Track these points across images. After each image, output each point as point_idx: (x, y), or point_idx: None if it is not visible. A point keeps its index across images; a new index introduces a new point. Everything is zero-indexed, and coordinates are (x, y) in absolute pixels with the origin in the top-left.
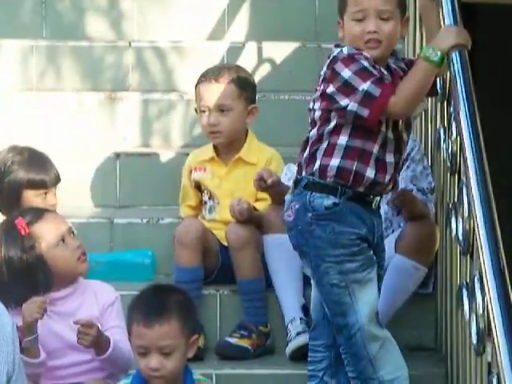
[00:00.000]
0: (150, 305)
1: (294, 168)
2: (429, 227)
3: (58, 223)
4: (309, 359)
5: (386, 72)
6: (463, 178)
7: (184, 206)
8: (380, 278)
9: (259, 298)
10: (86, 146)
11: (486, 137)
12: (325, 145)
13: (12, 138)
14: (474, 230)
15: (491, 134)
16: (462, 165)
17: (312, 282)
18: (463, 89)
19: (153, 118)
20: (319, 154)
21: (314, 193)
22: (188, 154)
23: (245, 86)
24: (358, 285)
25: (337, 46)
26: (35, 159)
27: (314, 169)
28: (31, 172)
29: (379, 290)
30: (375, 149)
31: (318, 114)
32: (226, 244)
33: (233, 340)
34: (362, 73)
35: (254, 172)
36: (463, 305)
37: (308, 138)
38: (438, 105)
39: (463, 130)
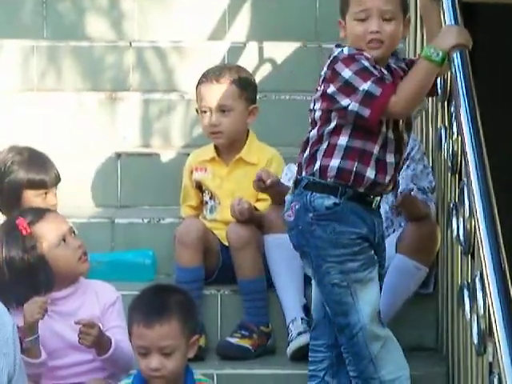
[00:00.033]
0: (150, 305)
1: (295, 168)
2: (429, 227)
3: (59, 223)
4: (309, 359)
5: (386, 72)
6: (464, 179)
7: (185, 206)
8: (381, 278)
9: (260, 298)
10: (86, 146)
11: (486, 134)
12: (325, 145)
13: (13, 138)
14: (475, 229)
15: (491, 132)
16: (463, 165)
17: (313, 281)
18: (464, 88)
19: (153, 118)
20: (319, 155)
21: (314, 193)
22: (189, 154)
23: (246, 86)
24: (359, 284)
25: (337, 46)
26: (35, 159)
27: (315, 169)
28: (31, 172)
29: (380, 289)
30: (375, 149)
31: (318, 114)
32: (226, 244)
33: (234, 340)
34: (363, 73)
35: (254, 172)
36: (464, 305)
37: (308, 139)
38: (439, 104)
39: (463, 125)
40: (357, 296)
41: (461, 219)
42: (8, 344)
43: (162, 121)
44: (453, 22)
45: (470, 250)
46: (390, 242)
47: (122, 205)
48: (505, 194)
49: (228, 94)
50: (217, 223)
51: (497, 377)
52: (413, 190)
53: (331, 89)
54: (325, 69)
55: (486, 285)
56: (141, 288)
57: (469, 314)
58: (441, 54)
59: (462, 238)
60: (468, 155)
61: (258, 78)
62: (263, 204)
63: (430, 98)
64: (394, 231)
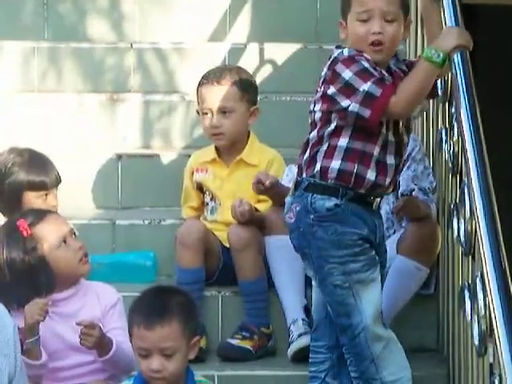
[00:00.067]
0: (151, 306)
1: (295, 169)
2: (430, 227)
3: (59, 224)
4: (310, 360)
5: (386, 74)
6: (465, 179)
7: (186, 208)
8: (382, 278)
9: (261, 299)
10: (87, 148)
11: (486, 134)
12: (325, 147)
13: (13, 139)
14: (475, 230)
15: (491, 133)
16: (463, 165)
17: (313, 282)
18: (464, 88)
19: (154, 120)
20: (320, 156)
21: (315, 194)
22: (189, 156)
23: (246, 87)
24: (361, 285)
25: (337, 47)
26: (36, 161)
27: (315, 171)
28: (32, 174)
29: (382, 289)
30: (376, 151)
31: (318, 115)
32: (227, 245)
33: (234, 341)
34: (363, 74)
35: (255, 173)
36: (465, 306)
37: (308, 140)
38: (440, 106)
39: (463, 123)
40: (359, 297)
41: (461, 220)
42: (9, 345)
43: (163, 122)
44: (453, 23)
45: (471, 250)
46: (390, 243)
47: (123, 206)
48: (505, 192)
49: (229, 96)
50: (217, 224)
51: (497, 377)
52: (414, 190)
53: (331, 90)
54: (325, 70)
55: (487, 285)
56: (142, 289)
57: (469, 315)
58: (441, 55)
59: (462, 238)
60: (468, 153)
61: (258, 79)
62: (264, 205)
63: (438, 97)
64: (394, 232)
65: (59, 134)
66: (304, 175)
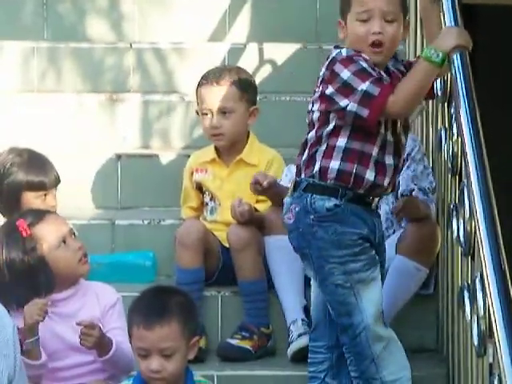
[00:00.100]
0: (150, 306)
1: (295, 169)
2: (430, 227)
3: (59, 225)
4: (309, 360)
5: (384, 74)
6: (464, 180)
7: (185, 208)
8: (382, 277)
9: (261, 300)
10: (87, 148)
11: (486, 135)
12: (324, 147)
13: (13, 139)
14: (475, 231)
15: (491, 134)
16: (463, 168)
17: (312, 282)
18: (464, 89)
19: (153, 120)
20: (318, 156)
21: (314, 195)
22: (189, 156)
23: (246, 87)
24: (362, 284)
25: (336, 47)
26: (35, 161)
27: (314, 171)
28: (30, 174)
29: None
30: (374, 151)
31: (316, 115)
32: (227, 245)
33: (234, 341)
34: (361, 73)
35: (254, 174)
36: (464, 306)
37: (306, 140)
38: (439, 106)
39: (463, 126)
40: (360, 296)
41: (461, 220)
42: (8, 345)
43: (162, 122)
44: (453, 23)
45: (470, 251)
46: (390, 243)
47: (123, 206)
48: (505, 196)
49: (229, 96)
50: (217, 224)
51: (497, 378)
52: (413, 190)
53: (330, 90)
54: (323, 70)
55: (486, 286)
56: (141, 289)
57: (469, 315)
58: (441, 55)
59: (462, 239)
60: (468, 156)
61: (258, 79)
62: (263, 205)
63: (435, 97)
64: (394, 232)
65: (59, 134)
66: (303, 176)
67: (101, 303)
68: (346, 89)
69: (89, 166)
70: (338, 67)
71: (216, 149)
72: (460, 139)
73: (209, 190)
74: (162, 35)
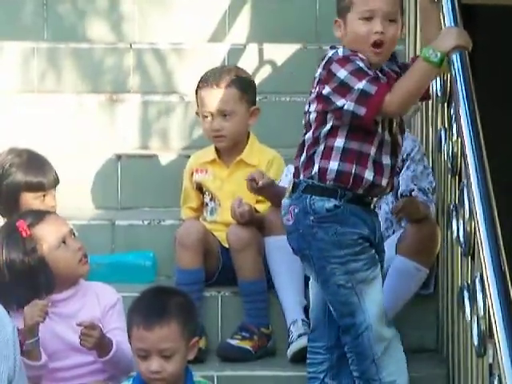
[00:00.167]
0: (150, 307)
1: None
2: (430, 228)
3: (59, 225)
4: (308, 361)
5: (380, 74)
6: (464, 180)
7: (185, 208)
8: (381, 277)
9: (261, 300)
10: (86, 148)
11: (486, 136)
12: (322, 147)
13: (13, 140)
14: (475, 231)
15: (491, 134)
16: (463, 170)
17: (310, 283)
18: (463, 89)
19: (153, 120)
20: (317, 157)
21: (313, 196)
22: (189, 156)
23: (246, 88)
24: (363, 284)
25: (332, 47)
26: (34, 161)
27: (313, 172)
28: (29, 174)
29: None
30: (372, 151)
31: (313, 116)
32: (227, 246)
33: (234, 342)
34: (358, 73)
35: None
36: (464, 306)
37: (304, 142)
38: (439, 106)
39: (463, 128)
40: (362, 296)
41: (461, 221)
42: (8, 346)
43: (162, 122)
44: (452, 23)
45: (470, 251)
46: (389, 244)
47: (123, 206)
48: (505, 197)
49: (229, 98)
50: (217, 225)
51: (497, 378)
52: (413, 190)
53: (326, 90)
54: (319, 70)
55: (486, 286)
56: (141, 290)
57: (469, 316)
58: (439, 55)
59: (462, 239)
60: (468, 158)
61: (258, 80)
62: (263, 206)
63: (430, 99)
64: (393, 232)
65: (59, 135)
66: (301, 177)
67: (101, 303)
68: (343, 88)
69: (89, 166)
70: (334, 67)
71: (216, 149)
72: (460, 140)
73: (209, 191)
74: (161, 36)
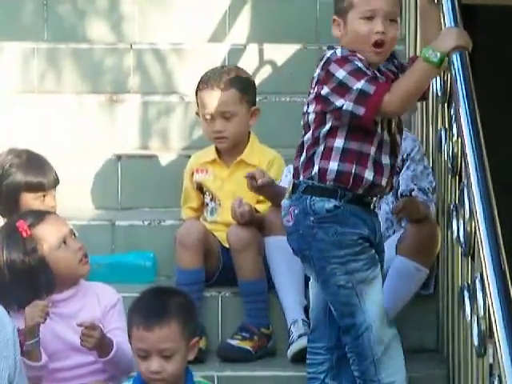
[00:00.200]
0: (150, 307)
1: None
2: (430, 228)
3: (59, 225)
4: (308, 362)
5: (378, 74)
6: (464, 180)
7: (186, 208)
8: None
9: (261, 300)
10: (87, 148)
11: (486, 136)
12: (321, 148)
13: (13, 140)
14: (475, 231)
15: (491, 134)
16: (463, 169)
17: (310, 283)
18: (463, 89)
19: (153, 120)
20: (317, 158)
21: (313, 197)
22: (189, 156)
23: (246, 89)
24: (363, 284)
25: (330, 47)
26: (33, 162)
27: (313, 173)
28: (29, 175)
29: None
30: (372, 151)
31: (312, 116)
32: (227, 246)
33: (234, 342)
34: (356, 73)
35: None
36: (464, 306)
37: (303, 142)
38: (439, 106)
39: (463, 127)
40: (362, 296)
41: (461, 221)
42: (8, 346)
43: (162, 123)
44: (452, 23)
45: (471, 251)
46: (390, 244)
47: (123, 207)
48: (505, 196)
49: (229, 100)
50: (217, 225)
51: (497, 378)
52: (413, 190)
53: (325, 90)
54: (318, 71)
55: (486, 286)
56: (141, 290)
57: (469, 316)
58: (439, 55)
59: (462, 239)
60: (468, 157)
61: (258, 80)
62: (263, 206)
63: (430, 99)
64: (394, 232)
65: (59, 135)
66: (301, 177)
67: (101, 304)
68: (342, 88)
69: (89, 166)
70: (333, 67)
71: (217, 149)
72: (460, 140)
73: (209, 191)
74: (161, 36)
